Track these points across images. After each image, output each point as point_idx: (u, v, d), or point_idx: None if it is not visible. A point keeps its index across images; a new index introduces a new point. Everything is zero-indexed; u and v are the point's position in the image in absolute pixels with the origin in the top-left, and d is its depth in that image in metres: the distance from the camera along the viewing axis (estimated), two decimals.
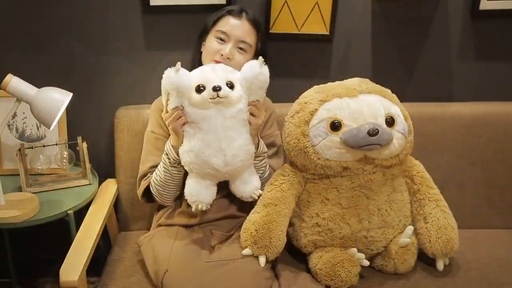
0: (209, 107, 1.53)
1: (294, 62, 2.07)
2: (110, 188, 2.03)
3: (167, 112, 1.60)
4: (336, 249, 1.72)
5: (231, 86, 1.55)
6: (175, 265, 1.60)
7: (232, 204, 1.81)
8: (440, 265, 1.78)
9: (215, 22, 1.78)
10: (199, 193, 1.63)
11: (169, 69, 1.53)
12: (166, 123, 1.62)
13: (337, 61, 2.08)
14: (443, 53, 2.09)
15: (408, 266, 1.76)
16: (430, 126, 2.06)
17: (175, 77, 1.52)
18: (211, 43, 1.76)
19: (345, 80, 1.77)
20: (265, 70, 1.57)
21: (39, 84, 1.74)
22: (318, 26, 1.99)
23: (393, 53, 2.08)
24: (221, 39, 1.75)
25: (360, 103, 1.65)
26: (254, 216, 1.70)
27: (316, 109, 1.67)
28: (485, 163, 2.08)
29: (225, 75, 1.56)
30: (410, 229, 1.73)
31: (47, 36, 2.01)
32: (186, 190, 1.65)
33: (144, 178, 1.81)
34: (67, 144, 1.99)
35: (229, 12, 1.78)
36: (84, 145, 1.95)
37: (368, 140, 1.59)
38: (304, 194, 1.75)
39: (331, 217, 1.70)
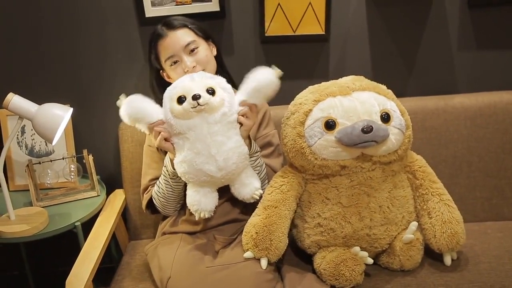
0: (192, 116, 1.55)
1: (292, 64, 2.08)
2: (118, 198, 2.07)
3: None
4: (340, 248, 1.71)
5: (212, 92, 1.56)
6: (177, 272, 1.62)
7: (234, 208, 1.82)
8: (447, 260, 1.76)
9: (157, 57, 1.80)
10: (200, 201, 1.64)
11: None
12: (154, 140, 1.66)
13: (336, 60, 2.07)
14: (442, 45, 2.07)
15: (415, 263, 1.74)
16: (433, 120, 2.04)
17: (123, 112, 1.59)
18: (173, 72, 1.77)
19: (339, 79, 1.77)
20: (278, 81, 1.60)
21: (43, 102, 1.79)
22: (313, 27, 1.99)
23: (392, 48, 2.07)
24: (174, 62, 1.76)
25: (353, 101, 1.65)
26: (254, 219, 1.71)
27: (311, 110, 1.67)
28: (492, 154, 2.04)
29: (204, 82, 1.58)
30: (414, 225, 1.71)
31: (48, 54, 2.06)
32: (187, 201, 1.67)
33: (146, 191, 1.85)
34: (74, 158, 2.03)
35: (157, 38, 1.78)
36: (90, 157, 2.00)
37: (362, 137, 1.59)
38: (305, 195, 1.76)
39: (332, 216, 1.70)
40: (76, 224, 1.86)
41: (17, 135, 2.12)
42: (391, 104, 1.69)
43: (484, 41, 2.06)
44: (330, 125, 1.63)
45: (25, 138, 2.12)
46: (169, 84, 1.69)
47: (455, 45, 2.06)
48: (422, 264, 1.76)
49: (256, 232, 1.67)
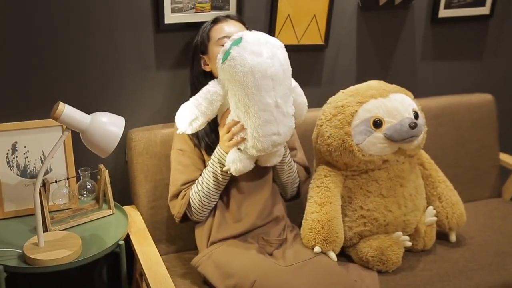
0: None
1: (294, 71, 2.19)
2: (133, 215, 1.94)
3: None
4: (382, 235, 1.88)
5: None
6: (261, 274, 1.61)
7: (273, 209, 1.85)
8: (453, 237, 2.04)
9: (208, 36, 1.79)
10: (246, 165, 1.67)
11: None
12: (222, 139, 1.66)
13: (329, 68, 2.25)
14: (409, 55, 2.39)
15: (433, 242, 2.00)
16: None
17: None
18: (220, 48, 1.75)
19: (365, 83, 1.95)
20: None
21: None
22: (315, 37, 2.15)
23: (372, 57, 2.32)
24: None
25: (393, 102, 1.85)
26: (315, 216, 1.79)
27: (356, 111, 1.83)
28: (451, 147, 2.40)
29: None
30: (431, 208, 1.98)
31: (56, 60, 1.86)
32: (230, 163, 1.67)
33: (181, 198, 1.79)
34: (89, 174, 1.85)
35: (216, 21, 1.80)
36: (107, 173, 1.85)
37: (410, 132, 1.80)
38: (344, 191, 1.89)
39: (375, 207, 1.86)
40: (120, 243, 1.71)
41: (7, 154, 1.85)
42: (415, 104, 1.93)
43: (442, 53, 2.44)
44: (377, 123, 1.81)
45: (16, 157, 1.86)
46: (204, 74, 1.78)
47: (419, 56, 2.41)
48: (433, 244, 2.02)
49: (322, 227, 1.76)
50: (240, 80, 1.56)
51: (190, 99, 1.67)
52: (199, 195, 1.75)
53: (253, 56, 1.55)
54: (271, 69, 1.56)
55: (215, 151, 1.73)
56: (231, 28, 1.76)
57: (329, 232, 1.76)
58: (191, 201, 1.77)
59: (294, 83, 1.74)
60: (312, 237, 1.76)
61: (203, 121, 1.65)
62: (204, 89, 1.65)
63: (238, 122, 1.62)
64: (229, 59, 1.56)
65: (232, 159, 1.66)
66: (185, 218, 1.82)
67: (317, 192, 1.84)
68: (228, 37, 1.69)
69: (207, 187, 1.73)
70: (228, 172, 1.68)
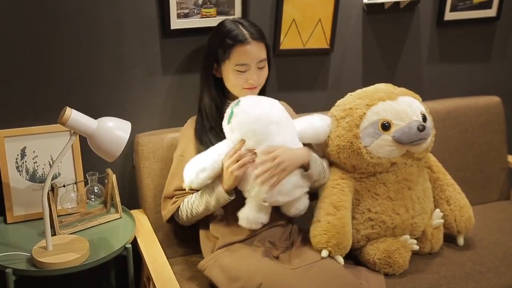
0: None
1: (299, 75, 2.20)
2: (141, 219, 1.95)
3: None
4: (389, 238, 1.88)
5: None
6: (266, 277, 1.60)
7: (281, 212, 1.85)
8: (461, 240, 2.03)
9: (229, 55, 1.76)
10: (257, 217, 1.73)
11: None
12: (228, 169, 1.65)
13: (334, 72, 2.25)
14: (415, 58, 2.39)
15: (440, 244, 1.99)
16: None
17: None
18: (233, 77, 1.77)
19: (373, 86, 1.95)
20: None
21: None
22: (320, 41, 2.15)
23: (379, 59, 2.33)
24: (242, 71, 1.76)
25: (401, 104, 1.84)
26: (330, 218, 1.76)
27: (364, 113, 1.83)
28: (458, 150, 2.39)
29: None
30: (438, 211, 1.97)
31: (64, 66, 1.88)
32: (243, 216, 1.73)
33: (171, 203, 1.82)
34: (97, 178, 1.86)
35: (238, 41, 1.75)
36: (114, 177, 1.86)
37: (418, 135, 1.79)
38: None
39: (383, 210, 1.86)
40: (127, 246, 1.72)
41: (16, 159, 1.87)
42: (423, 107, 1.92)
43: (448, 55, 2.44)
44: (385, 126, 1.81)
45: (25, 162, 1.87)
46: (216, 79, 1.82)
47: (425, 58, 2.41)
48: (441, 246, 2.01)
49: (338, 232, 1.74)
50: (249, 131, 1.64)
51: (200, 154, 1.72)
52: (187, 213, 1.79)
53: (254, 108, 1.66)
54: (274, 116, 1.67)
55: (216, 190, 1.71)
56: (252, 54, 1.75)
57: (342, 238, 1.75)
58: (180, 212, 1.81)
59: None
60: (325, 240, 1.74)
61: (211, 175, 1.68)
62: (216, 147, 1.70)
63: (252, 150, 1.65)
64: (233, 117, 1.65)
65: (246, 215, 1.73)
66: (172, 219, 1.85)
67: (333, 193, 1.81)
68: (246, 65, 1.74)
69: (196, 211, 1.77)
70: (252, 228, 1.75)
